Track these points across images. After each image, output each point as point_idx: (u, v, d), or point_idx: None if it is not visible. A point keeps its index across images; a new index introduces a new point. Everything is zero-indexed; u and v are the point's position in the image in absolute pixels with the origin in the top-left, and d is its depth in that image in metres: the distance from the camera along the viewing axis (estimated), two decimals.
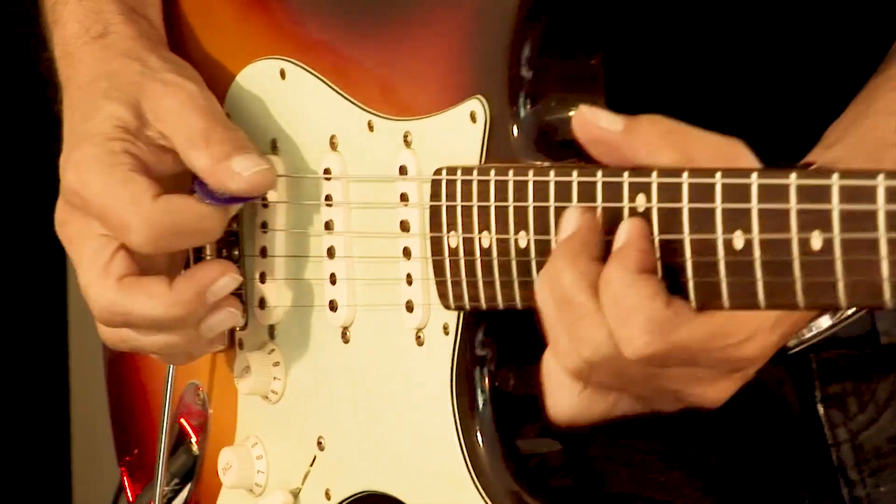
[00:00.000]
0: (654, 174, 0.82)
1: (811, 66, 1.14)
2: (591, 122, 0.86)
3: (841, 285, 0.73)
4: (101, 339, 1.10)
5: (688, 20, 1.09)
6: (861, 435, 1.16)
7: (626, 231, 0.83)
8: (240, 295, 1.10)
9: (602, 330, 0.83)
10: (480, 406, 0.96)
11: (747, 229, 0.77)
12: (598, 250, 0.84)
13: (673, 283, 0.82)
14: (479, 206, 0.93)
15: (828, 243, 0.72)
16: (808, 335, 1.05)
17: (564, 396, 0.90)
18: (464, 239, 0.94)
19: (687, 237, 0.80)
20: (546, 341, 0.89)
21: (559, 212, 0.88)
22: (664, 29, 1.08)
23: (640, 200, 0.81)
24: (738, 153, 0.83)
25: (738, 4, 1.13)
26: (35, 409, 2.59)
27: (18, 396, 2.56)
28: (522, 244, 0.88)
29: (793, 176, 0.74)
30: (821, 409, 1.14)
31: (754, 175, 0.77)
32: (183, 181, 1.05)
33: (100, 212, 1.03)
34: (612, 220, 0.84)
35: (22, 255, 2.50)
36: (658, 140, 0.84)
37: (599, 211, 0.86)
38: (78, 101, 1.13)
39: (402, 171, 0.99)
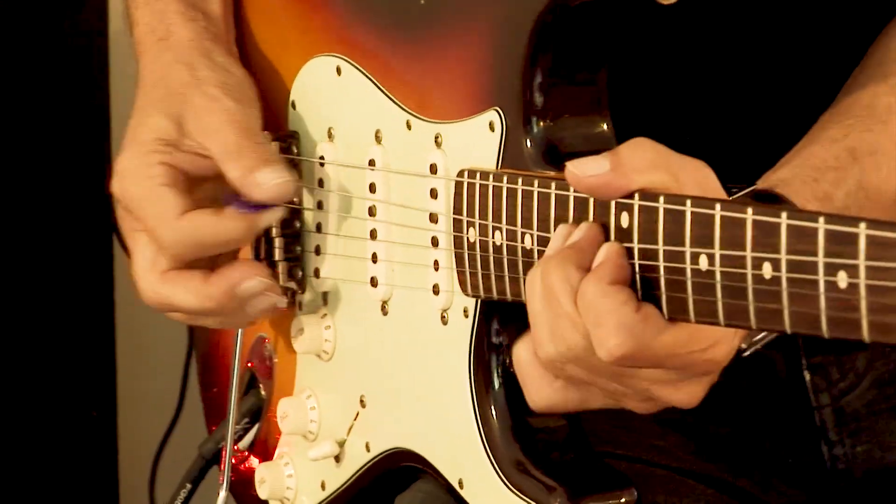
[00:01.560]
0: (637, 196, 0.88)
1: (775, 100, 1.21)
2: (581, 174, 0.91)
3: (786, 314, 0.78)
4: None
5: (673, 52, 1.16)
6: (842, 400, 1.24)
7: (605, 251, 0.89)
8: (298, 263, 1.22)
9: (577, 331, 0.89)
10: (495, 385, 1.04)
11: (711, 254, 0.83)
12: (589, 262, 0.90)
13: (648, 295, 0.89)
14: (493, 208, 1.00)
15: (777, 274, 0.77)
16: (758, 337, 1.07)
17: (542, 387, 0.96)
18: (480, 235, 1.02)
19: (661, 252, 0.86)
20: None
21: (559, 220, 0.95)
22: (655, 58, 1.15)
23: (624, 218, 0.88)
24: (707, 175, 0.90)
25: (715, 51, 1.19)
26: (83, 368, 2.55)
27: (68, 361, 2.55)
28: (528, 245, 0.96)
29: (750, 210, 0.79)
30: (807, 376, 1.22)
31: (718, 206, 0.83)
32: (223, 182, 1.15)
33: (137, 220, 1.16)
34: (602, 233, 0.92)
35: (73, 237, 2.50)
36: (647, 165, 0.90)
37: (599, 226, 0.93)
38: (140, 104, 1.24)
39: (433, 168, 1.07)
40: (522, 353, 0.97)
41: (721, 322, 0.86)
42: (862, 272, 0.73)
